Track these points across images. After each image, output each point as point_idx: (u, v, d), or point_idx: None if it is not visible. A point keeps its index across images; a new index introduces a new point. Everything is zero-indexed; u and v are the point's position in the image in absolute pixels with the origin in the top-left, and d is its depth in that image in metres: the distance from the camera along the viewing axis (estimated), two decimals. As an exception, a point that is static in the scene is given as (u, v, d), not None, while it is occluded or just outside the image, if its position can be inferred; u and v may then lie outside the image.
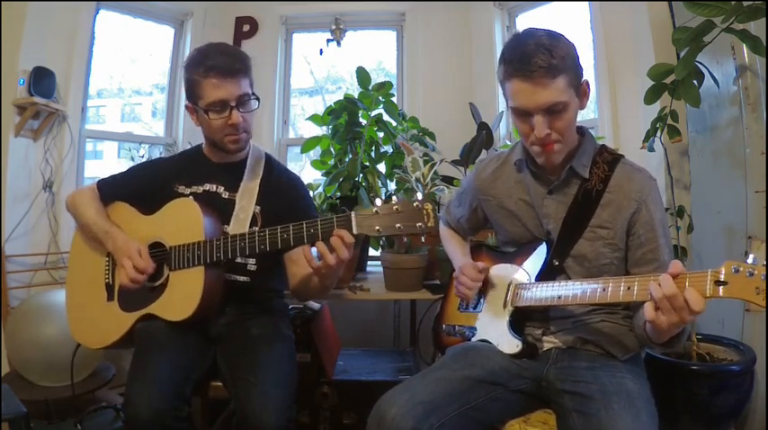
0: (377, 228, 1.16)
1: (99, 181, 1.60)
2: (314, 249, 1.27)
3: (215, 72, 1.39)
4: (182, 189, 1.53)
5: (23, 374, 1.92)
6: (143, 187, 1.55)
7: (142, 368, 1.28)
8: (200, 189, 1.53)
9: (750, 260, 0.87)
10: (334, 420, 1.89)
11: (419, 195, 1.16)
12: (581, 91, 1.17)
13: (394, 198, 1.17)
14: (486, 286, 1.34)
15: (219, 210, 1.48)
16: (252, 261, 1.50)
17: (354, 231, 1.19)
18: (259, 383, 1.28)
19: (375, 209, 1.17)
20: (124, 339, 1.43)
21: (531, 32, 1.14)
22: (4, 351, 1.99)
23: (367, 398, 1.33)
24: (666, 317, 0.93)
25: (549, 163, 1.22)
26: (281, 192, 1.56)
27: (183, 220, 1.42)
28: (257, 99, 1.49)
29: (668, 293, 0.91)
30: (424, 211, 1.14)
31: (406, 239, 1.23)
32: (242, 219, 1.48)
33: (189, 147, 1.74)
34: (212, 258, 1.34)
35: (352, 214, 1.19)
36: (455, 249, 1.47)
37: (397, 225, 1.15)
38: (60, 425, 1.76)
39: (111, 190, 1.56)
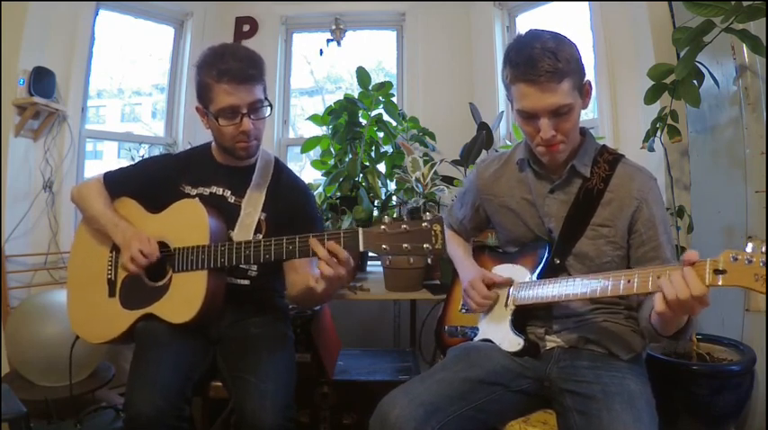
0: (384, 246, 1.14)
1: (106, 173, 1.56)
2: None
3: (228, 77, 1.35)
4: (188, 189, 1.51)
5: (23, 374, 1.91)
6: (149, 183, 1.53)
7: (143, 368, 1.27)
8: (206, 191, 1.51)
9: (749, 249, 0.88)
10: (334, 420, 1.89)
11: (428, 215, 1.15)
12: (584, 91, 1.19)
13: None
14: (488, 287, 1.33)
15: (225, 214, 1.46)
16: (254, 267, 1.49)
17: (361, 248, 1.17)
18: (258, 382, 1.28)
19: (383, 226, 1.15)
20: (124, 336, 1.42)
21: (536, 35, 1.15)
22: (4, 351, 1.99)
23: (367, 398, 1.33)
24: (675, 311, 0.94)
25: (553, 162, 1.24)
26: (287, 200, 1.54)
27: (188, 222, 1.41)
28: (270, 105, 1.45)
29: (682, 297, 0.91)
30: (433, 233, 1.12)
31: (411, 260, 1.21)
32: (247, 224, 1.47)
33: (189, 147, 1.73)
34: (216, 263, 1.33)
35: (360, 231, 1.17)
36: (457, 251, 1.47)
37: (405, 245, 1.13)
38: (60, 425, 1.76)
39: (118, 184, 1.54)
